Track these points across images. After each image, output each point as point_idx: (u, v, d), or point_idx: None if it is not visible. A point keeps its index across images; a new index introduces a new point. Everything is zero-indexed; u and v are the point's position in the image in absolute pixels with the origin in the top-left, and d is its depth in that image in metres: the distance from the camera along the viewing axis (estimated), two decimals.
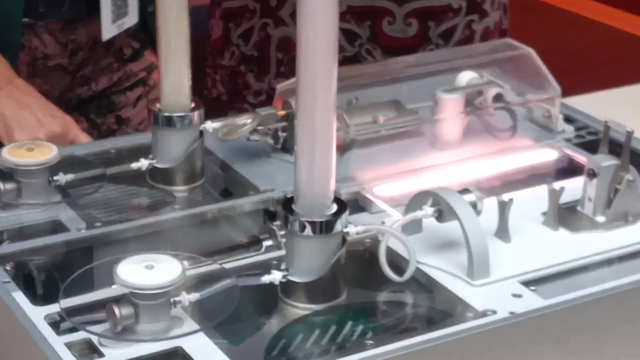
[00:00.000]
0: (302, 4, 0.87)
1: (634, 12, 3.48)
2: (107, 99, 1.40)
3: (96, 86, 1.38)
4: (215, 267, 0.94)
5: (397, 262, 0.96)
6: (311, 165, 0.90)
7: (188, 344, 0.86)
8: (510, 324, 0.89)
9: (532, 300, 0.92)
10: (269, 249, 1.00)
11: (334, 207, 0.92)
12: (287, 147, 1.13)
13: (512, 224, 1.00)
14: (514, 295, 0.93)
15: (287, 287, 0.93)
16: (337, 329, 0.92)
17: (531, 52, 1.21)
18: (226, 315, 0.89)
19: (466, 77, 1.17)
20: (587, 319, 0.92)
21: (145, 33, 1.41)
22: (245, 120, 1.11)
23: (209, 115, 1.11)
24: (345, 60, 1.44)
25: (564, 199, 1.03)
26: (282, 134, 1.13)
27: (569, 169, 1.16)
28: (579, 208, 1.04)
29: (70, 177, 1.06)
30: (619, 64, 3.08)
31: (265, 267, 0.95)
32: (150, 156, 1.09)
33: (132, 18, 1.34)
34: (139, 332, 0.87)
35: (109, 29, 1.32)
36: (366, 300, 0.96)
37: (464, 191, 0.97)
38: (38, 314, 0.89)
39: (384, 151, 1.12)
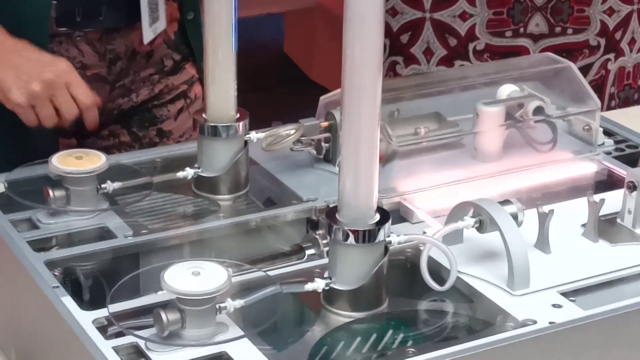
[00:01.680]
0: (348, 18, 0.88)
1: None
2: (149, 112, 1.41)
3: (137, 97, 1.39)
4: (259, 274, 0.96)
5: (438, 272, 0.97)
6: (355, 176, 0.92)
7: (233, 350, 0.88)
8: (550, 333, 0.90)
9: (572, 311, 0.93)
10: (311, 257, 1.01)
11: (377, 217, 0.93)
12: (329, 157, 1.15)
13: (552, 236, 1.01)
14: (554, 306, 0.94)
15: (330, 295, 0.95)
16: (378, 337, 0.93)
17: (572, 65, 1.22)
18: (270, 321, 0.90)
19: (507, 90, 1.18)
20: (626, 330, 0.93)
21: (185, 45, 1.42)
22: (289, 131, 1.12)
23: None
24: None
25: (604, 211, 1.03)
26: (324, 145, 1.14)
27: (608, 182, 1.16)
28: (618, 220, 1.05)
29: (117, 185, 1.08)
30: None
31: (308, 275, 0.97)
32: (196, 165, 1.11)
33: (162, 23, 1.34)
34: (185, 337, 0.88)
35: (147, 33, 1.33)
36: (407, 308, 0.97)
37: (505, 202, 0.98)
38: (86, 319, 0.91)
39: (425, 162, 1.13)
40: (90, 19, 1.30)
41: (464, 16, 1.49)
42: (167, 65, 1.41)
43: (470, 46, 1.50)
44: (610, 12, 1.53)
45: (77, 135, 1.36)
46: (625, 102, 1.58)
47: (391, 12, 1.59)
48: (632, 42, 1.57)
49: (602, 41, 1.54)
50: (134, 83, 1.38)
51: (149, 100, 1.41)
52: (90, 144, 1.38)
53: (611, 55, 1.55)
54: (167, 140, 1.41)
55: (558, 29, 1.52)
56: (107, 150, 1.30)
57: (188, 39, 1.41)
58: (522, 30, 1.51)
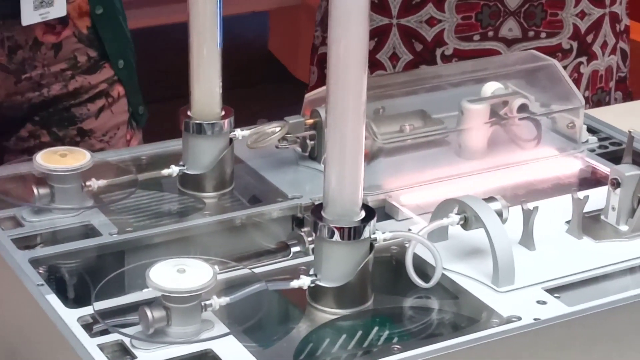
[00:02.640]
0: (333, 14, 0.88)
1: None
2: (67, 111, 1.39)
3: (48, 92, 1.37)
4: (245, 271, 0.96)
5: (424, 269, 0.98)
6: (340, 173, 0.92)
7: (218, 347, 0.88)
8: (535, 330, 0.90)
9: (556, 307, 0.93)
10: (296, 255, 1.01)
11: (362, 214, 0.94)
12: (314, 155, 1.15)
13: (537, 232, 1.01)
14: (539, 302, 0.94)
15: (316, 292, 0.95)
16: (364, 334, 0.93)
17: (555, 63, 1.22)
18: (256, 319, 0.90)
19: (491, 87, 1.18)
20: (611, 326, 0.93)
21: (99, 41, 1.40)
22: (274, 129, 1.13)
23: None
24: None
25: (588, 208, 1.04)
26: (310, 142, 1.15)
27: (592, 179, 1.17)
28: (602, 217, 1.06)
29: (102, 182, 1.07)
30: None
31: (293, 272, 0.97)
32: (181, 163, 1.11)
33: (58, 10, 1.29)
34: (170, 334, 0.88)
35: (29, 15, 1.28)
36: (393, 305, 0.97)
37: (490, 199, 0.98)
38: (71, 317, 0.91)
39: (411, 160, 1.13)
40: None
41: (431, 22, 1.50)
42: (80, 61, 1.38)
43: (438, 51, 1.51)
44: (582, 15, 1.54)
45: None
46: (598, 106, 1.59)
47: None
48: (604, 45, 1.58)
49: (575, 44, 1.55)
50: (44, 77, 1.36)
51: (65, 97, 1.38)
52: (12, 146, 1.38)
53: (584, 59, 1.56)
54: (89, 140, 1.40)
55: (531, 33, 1.53)
56: (29, 152, 1.29)
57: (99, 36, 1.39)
58: (491, 33, 1.51)
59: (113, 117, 1.42)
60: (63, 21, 1.35)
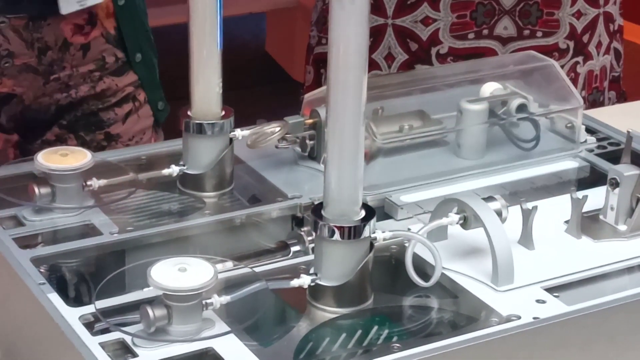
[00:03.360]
0: (333, 15, 0.89)
1: None
2: (95, 115, 1.39)
3: (76, 93, 1.37)
4: (246, 270, 0.97)
5: (423, 268, 0.98)
6: (340, 172, 0.92)
7: (219, 345, 0.88)
8: (534, 329, 0.91)
9: (556, 306, 0.94)
10: (296, 254, 1.02)
11: (362, 213, 0.94)
12: (314, 155, 1.15)
13: (536, 232, 1.01)
14: (538, 301, 0.94)
15: (316, 291, 0.95)
16: (363, 333, 0.93)
17: (554, 63, 1.23)
18: (256, 317, 0.91)
19: (490, 88, 1.19)
20: (609, 325, 0.94)
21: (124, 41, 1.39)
22: (274, 129, 1.13)
23: None
24: None
25: (587, 207, 1.04)
26: (309, 142, 1.15)
27: (591, 179, 1.17)
28: (601, 217, 1.06)
29: (103, 182, 1.08)
30: None
31: (293, 271, 0.97)
32: (181, 163, 1.12)
33: None
34: (171, 333, 0.88)
35: (68, 3, 1.28)
36: (393, 304, 0.97)
37: (489, 199, 0.99)
38: (73, 315, 0.91)
39: (410, 159, 1.14)
40: (11, 4, 1.28)
41: (426, 21, 1.50)
42: (108, 62, 1.38)
43: (433, 50, 1.52)
44: (579, 15, 1.55)
45: (20, 131, 1.35)
46: (593, 105, 1.60)
47: None
48: (599, 45, 1.58)
49: (572, 44, 1.55)
50: (72, 78, 1.36)
51: (92, 99, 1.38)
52: (37, 149, 1.38)
53: (580, 59, 1.56)
54: (115, 145, 1.40)
55: (527, 32, 1.53)
56: None
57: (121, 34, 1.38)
58: (485, 32, 1.52)
59: (139, 121, 1.42)
60: (91, 22, 1.35)
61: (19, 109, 1.36)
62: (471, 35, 1.52)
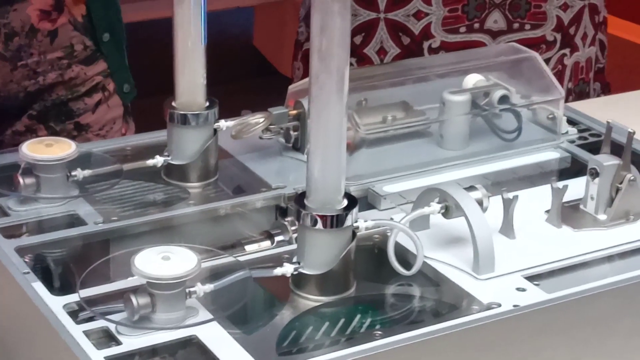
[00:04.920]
0: (315, 5, 0.90)
1: None
2: (65, 105, 1.39)
3: (44, 80, 1.37)
4: (229, 259, 0.97)
5: (405, 257, 0.99)
6: (323, 162, 0.93)
7: (202, 333, 0.89)
8: (514, 316, 0.91)
9: (536, 294, 0.94)
10: (280, 243, 1.02)
11: (345, 202, 0.95)
12: (298, 145, 1.16)
13: (517, 221, 1.02)
14: (518, 289, 0.95)
15: (299, 280, 0.96)
16: (346, 321, 0.94)
17: (536, 55, 1.24)
18: (239, 305, 0.91)
19: (473, 79, 1.20)
20: (589, 312, 0.95)
21: (95, 30, 1.39)
22: (258, 120, 1.13)
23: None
24: None
25: (567, 197, 1.05)
26: (293, 133, 1.16)
27: (572, 169, 1.18)
28: (581, 206, 1.07)
29: (87, 172, 1.08)
30: None
31: (277, 260, 0.98)
32: (166, 153, 1.12)
33: None
34: (155, 321, 0.89)
35: None
36: (375, 293, 0.98)
37: (470, 188, 1.00)
38: (57, 304, 0.92)
39: (393, 150, 1.14)
40: None
41: (419, 15, 1.51)
42: (77, 50, 1.38)
43: (425, 44, 1.53)
44: (565, 7, 1.56)
45: None
46: (580, 97, 1.61)
47: None
48: (585, 36, 1.60)
49: (559, 36, 1.56)
50: (40, 65, 1.36)
51: (60, 86, 1.37)
52: (8, 140, 1.38)
53: (567, 50, 1.57)
54: (85, 134, 1.40)
55: (516, 25, 1.54)
56: None
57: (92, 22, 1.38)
58: (476, 25, 1.53)
59: (109, 111, 1.42)
60: (58, 7, 1.35)
61: None
62: (463, 29, 1.53)
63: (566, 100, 1.39)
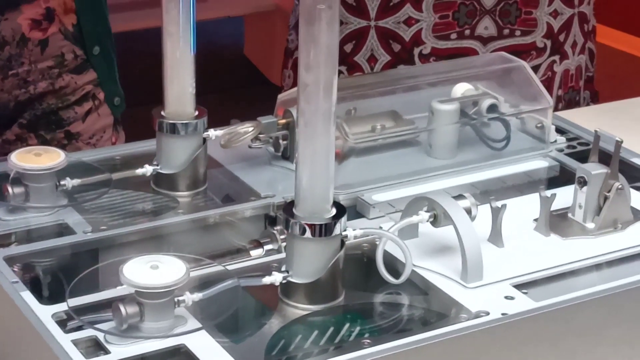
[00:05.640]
0: (303, 15, 0.90)
1: None
2: (55, 114, 1.40)
3: (35, 90, 1.37)
4: (218, 268, 0.97)
5: (394, 265, 0.99)
6: (311, 171, 0.93)
7: (191, 342, 0.89)
8: (503, 324, 0.92)
9: (524, 303, 0.95)
10: (269, 252, 1.02)
11: (333, 211, 0.95)
12: (287, 154, 1.16)
13: (505, 230, 1.03)
14: (507, 298, 0.95)
15: (288, 288, 0.96)
16: (335, 329, 0.94)
17: (524, 64, 1.24)
18: (228, 314, 0.91)
19: (461, 88, 1.20)
20: (577, 320, 0.95)
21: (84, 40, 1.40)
22: (247, 129, 1.14)
23: None
24: None
25: (555, 206, 1.06)
26: (282, 142, 1.16)
27: (560, 178, 1.19)
28: (569, 215, 1.07)
29: (76, 182, 1.08)
30: None
31: (266, 269, 0.98)
32: (155, 162, 1.12)
33: None
34: (143, 330, 0.89)
35: None
36: (364, 301, 0.98)
37: (459, 197, 1.00)
38: (45, 313, 0.92)
39: (382, 159, 1.15)
40: None
41: (409, 22, 1.51)
42: (67, 59, 1.39)
43: (416, 51, 1.53)
44: (555, 14, 1.56)
45: None
46: (569, 105, 1.62)
47: None
48: (574, 44, 1.60)
49: (549, 43, 1.57)
50: (31, 74, 1.36)
51: (51, 95, 1.38)
52: None
53: (556, 57, 1.58)
54: (76, 143, 1.41)
55: (506, 31, 1.55)
56: None
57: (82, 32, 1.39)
58: (467, 32, 1.53)
59: (99, 120, 1.43)
60: (49, 17, 1.36)
61: None
62: (453, 36, 1.53)
63: (555, 108, 1.40)
